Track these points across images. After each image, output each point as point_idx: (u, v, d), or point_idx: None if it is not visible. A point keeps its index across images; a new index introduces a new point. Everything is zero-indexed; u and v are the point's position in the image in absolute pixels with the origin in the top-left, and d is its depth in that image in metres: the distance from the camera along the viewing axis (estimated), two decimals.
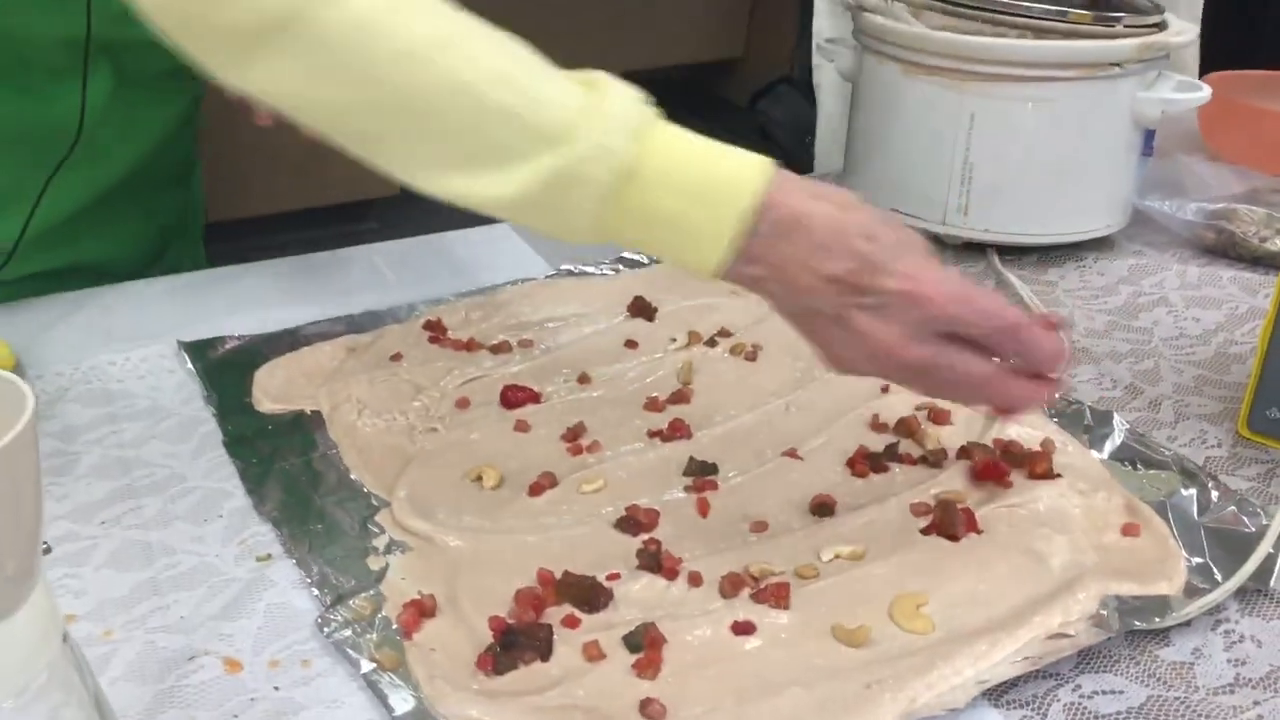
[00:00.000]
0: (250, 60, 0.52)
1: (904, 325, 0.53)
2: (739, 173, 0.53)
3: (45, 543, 0.57)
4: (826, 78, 1.24)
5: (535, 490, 0.63)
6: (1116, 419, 0.69)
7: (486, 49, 0.53)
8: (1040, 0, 0.87)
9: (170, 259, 0.98)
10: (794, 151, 1.31)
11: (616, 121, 0.52)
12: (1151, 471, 0.65)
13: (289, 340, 0.78)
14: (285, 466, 0.65)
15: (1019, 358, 0.55)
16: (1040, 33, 0.86)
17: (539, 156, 0.51)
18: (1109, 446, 0.67)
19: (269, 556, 0.59)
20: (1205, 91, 0.89)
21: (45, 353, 0.76)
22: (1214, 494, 0.62)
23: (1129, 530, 0.60)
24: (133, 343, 0.78)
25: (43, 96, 0.79)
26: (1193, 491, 0.63)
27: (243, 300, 0.85)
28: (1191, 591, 0.56)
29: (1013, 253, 0.93)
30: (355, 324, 0.81)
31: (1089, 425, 0.69)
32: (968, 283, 0.55)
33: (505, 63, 0.53)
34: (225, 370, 0.75)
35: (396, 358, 0.76)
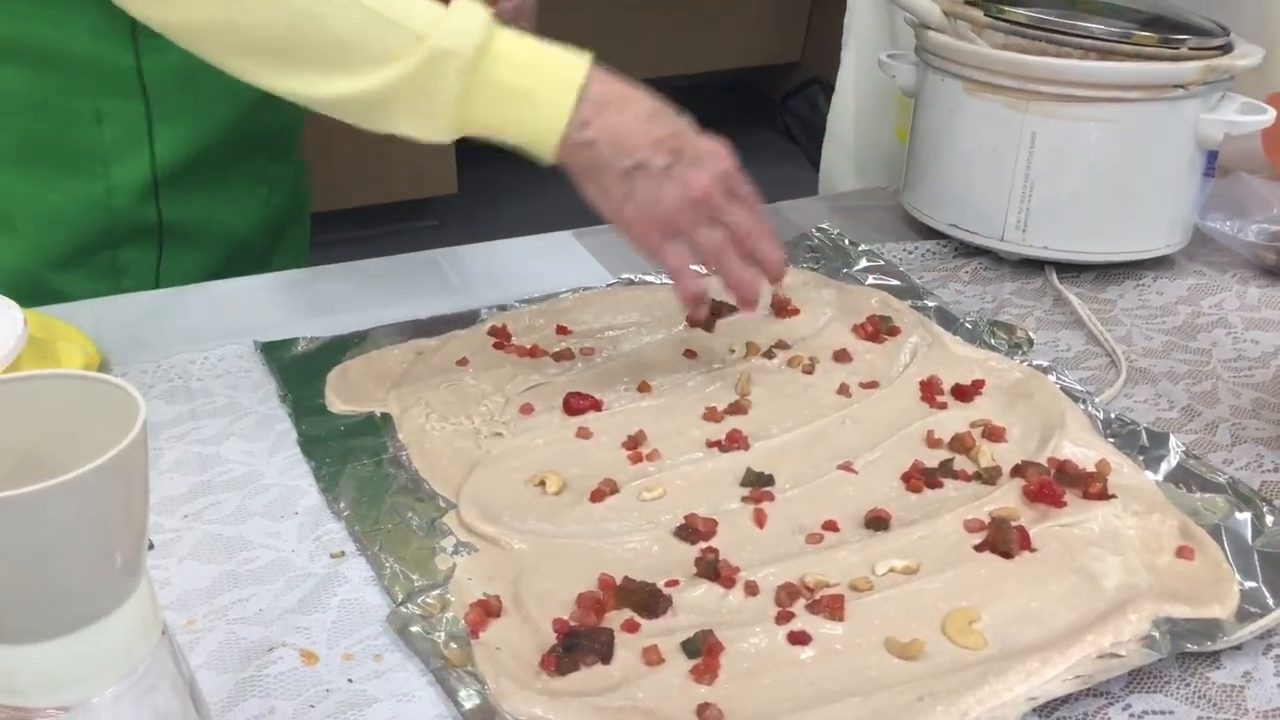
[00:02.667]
0: None
1: (714, 174, 0.70)
2: (569, 56, 0.68)
3: (149, 539, 0.60)
4: (847, 76, 1.23)
5: (597, 497, 0.65)
6: (1172, 440, 0.69)
7: None
8: (1104, 21, 0.88)
9: (288, 245, 1.02)
10: (811, 151, 1.31)
11: (469, 16, 0.66)
12: (1206, 494, 0.66)
13: (359, 343, 0.81)
14: (357, 467, 0.68)
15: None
16: (1104, 54, 0.87)
17: (411, 52, 0.65)
18: (1164, 468, 0.68)
19: (342, 553, 0.61)
20: (1270, 114, 0.89)
21: (129, 351, 0.79)
22: (1269, 519, 0.63)
23: (1183, 553, 0.61)
24: (211, 342, 0.81)
25: (148, 48, 0.84)
26: (1247, 515, 0.63)
27: (315, 303, 0.88)
28: (1244, 615, 0.57)
29: (1071, 270, 0.93)
30: (422, 328, 0.83)
31: (1144, 446, 0.70)
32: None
33: None
34: (299, 371, 0.77)
35: (463, 363, 0.78)
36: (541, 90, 0.67)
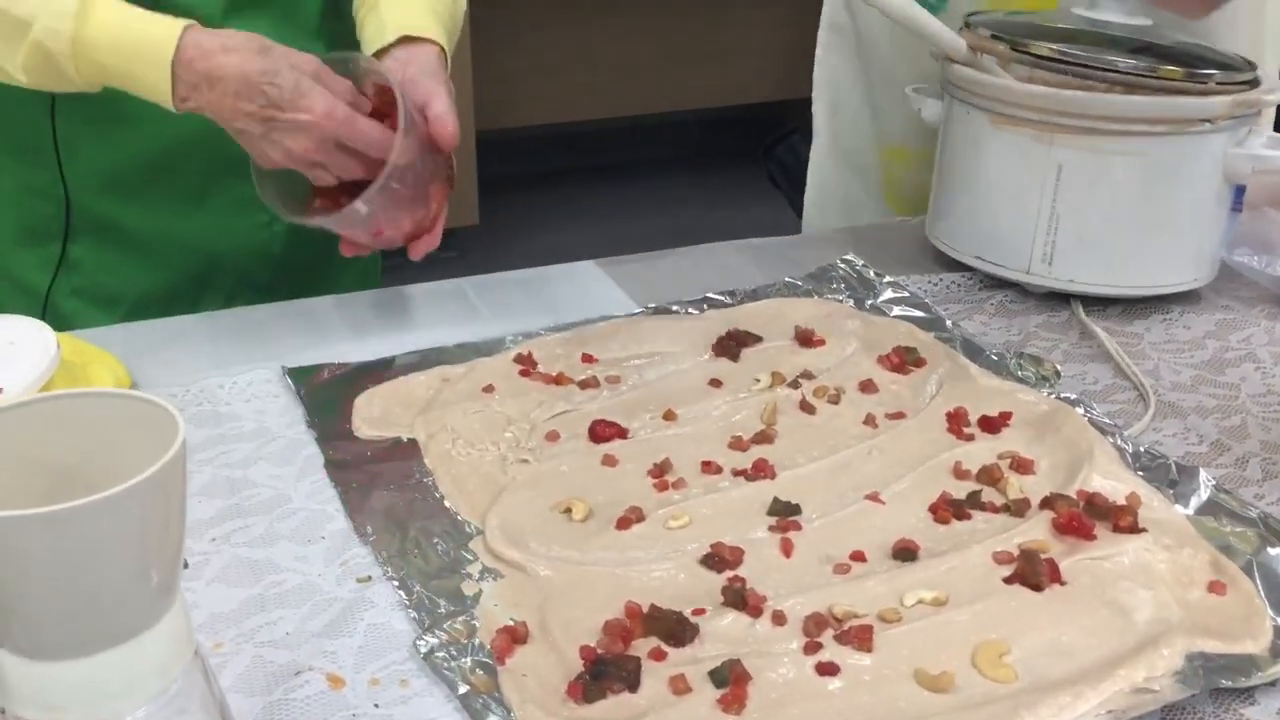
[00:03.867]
0: None
1: (310, 139, 0.76)
2: (161, 34, 0.75)
3: (184, 558, 0.60)
4: (823, 110, 1.25)
5: (623, 524, 0.65)
6: (1202, 475, 0.69)
7: None
8: (1129, 56, 0.88)
9: (317, 281, 1.03)
10: (796, 202, 1.33)
11: (63, 4, 0.74)
12: (1238, 529, 0.65)
13: (385, 369, 0.82)
14: (384, 492, 0.68)
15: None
16: (1130, 88, 0.87)
17: (25, 38, 0.75)
18: (1195, 502, 0.67)
19: (369, 578, 0.61)
20: None
21: (158, 374, 0.80)
22: None
23: (1215, 588, 0.60)
24: (239, 366, 0.81)
25: None
26: (1279, 551, 0.62)
27: (342, 328, 0.89)
28: (1277, 652, 0.56)
29: (1097, 303, 0.93)
30: (449, 355, 0.84)
31: (1174, 480, 0.69)
32: (345, 110, 0.77)
33: None
34: (326, 396, 0.78)
35: (489, 389, 0.78)
36: (142, 78, 0.76)
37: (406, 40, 0.87)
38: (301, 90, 0.76)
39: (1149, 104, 0.86)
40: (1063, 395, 0.78)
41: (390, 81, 0.80)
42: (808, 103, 1.25)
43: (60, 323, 0.85)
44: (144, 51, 0.75)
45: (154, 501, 0.36)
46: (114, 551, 0.36)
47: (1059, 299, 0.94)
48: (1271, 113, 1.14)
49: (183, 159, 0.93)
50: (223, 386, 0.79)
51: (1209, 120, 0.86)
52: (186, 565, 0.61)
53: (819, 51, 1.24)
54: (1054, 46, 0.89)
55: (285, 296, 0.95)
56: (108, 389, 0.40)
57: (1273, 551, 0.63)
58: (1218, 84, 0.86)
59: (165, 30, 0.75)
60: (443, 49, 0.89)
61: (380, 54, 0.86)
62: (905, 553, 0.63)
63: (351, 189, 0.80)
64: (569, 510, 0.66)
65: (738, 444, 0.73)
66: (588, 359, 0.83)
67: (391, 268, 1.14)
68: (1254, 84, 0.89)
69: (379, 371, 0.81)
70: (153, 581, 0.38)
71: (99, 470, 0.38)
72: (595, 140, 3.57)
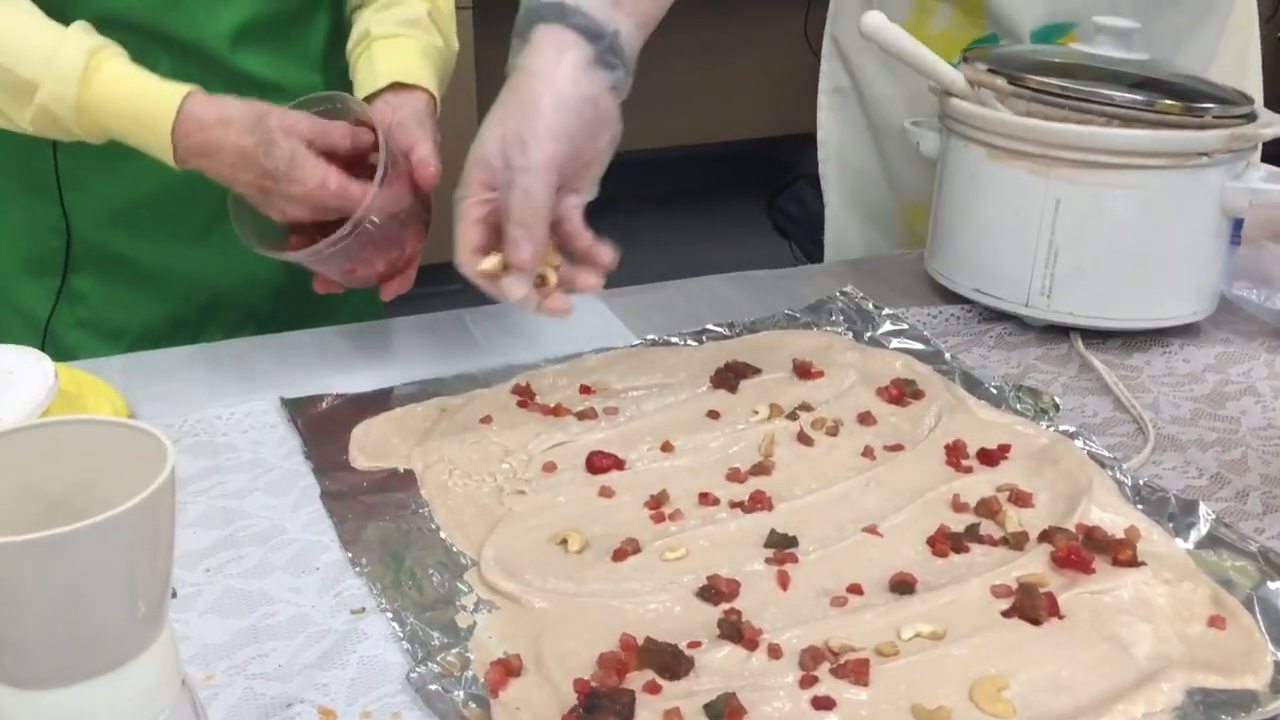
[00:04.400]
0: None
1: (304, 208, 0.79)
2: (159, 104, 0.77)
3: (172, 588, 0.60)
4: (832, 172, 1.26)
5: (619, 556, 0.65)
6: (1202, 508, 0.69)
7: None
8: (1127, 89, 0.88)
9: (320, 314, 1.03)
10: (809, 251, 1.34)
11: (66, 65, 0.77)
12: (1238, 563, 0.65)
13: (383, 400, 0.82)
14: (379, 523, 0.68)
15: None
16: (1128, 121, 0.87)
17: (31, 99, 0.77)
18: (1194, 536, 0.67)
19: (363, 609, 0.61)
20: None
21: (156, 405, 0.80)
22: None
23: (1215, 622, 0.59)
24: (237, 398, 0.81)
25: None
26: (1279, 585, 0.62)
27: (340, 359, 0.89)
28: (1278, 687, 0.55)
29: (1096, 336, 0.93)
30: (447, 386, 0.84)
31: (1174, 513, 0.69)
32: (341, 175, 0.78)
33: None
34: (323, 427, 0.78)
35: (486, 420, 0.78)
36: (146, 143, 0.78)
37: (398, 86, 0.88)
38: (296, 162, 0.77)
39: (1146, 138, 0.86)
40: (1062, 428, 0.77)
41: (374, 124, 0.82)
42: (804, 139, 1.27)
43: (63, 354, 0.86)
44: (144, 120, 0.78)
45: (142, 529, 0.36)
46: (101, 580, 0.35)
47: (1058, 332, 0.94)
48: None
49: (188, 195, 0.93)
50: (220, 417, 0.79)
51: (1206, 154, 0.86)
52: (175, 595, 0.60)
53: (821, 115, 1.25)
54: (1051, 80, 0.89)
55: (287, 328, 0.95)
56: (98, 416, 0.40)
57: (1273, 586, 0.62)
58: (1214, 118, 0.87)
59: (165, 101, 0.77)
60: (433, 96, 0.90)
61: (371, 98, 0.88)
62: (903, 586, 0.62)
63: (326, 227, 0.81)
64: (565, 542, 0.66)
65: (735, 475, 0.73)
66: (585, 390, 0.83)
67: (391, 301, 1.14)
68: (1251, 118, 0.89)
69: (377, 402, 0.81)
70: (140, 610, 0.37)
71: (91, 498, 0.38)
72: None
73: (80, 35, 0.79)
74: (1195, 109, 0.87)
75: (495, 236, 0.72)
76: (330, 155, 0.80)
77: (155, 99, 0.78)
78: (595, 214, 0.76)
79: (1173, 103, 0.87)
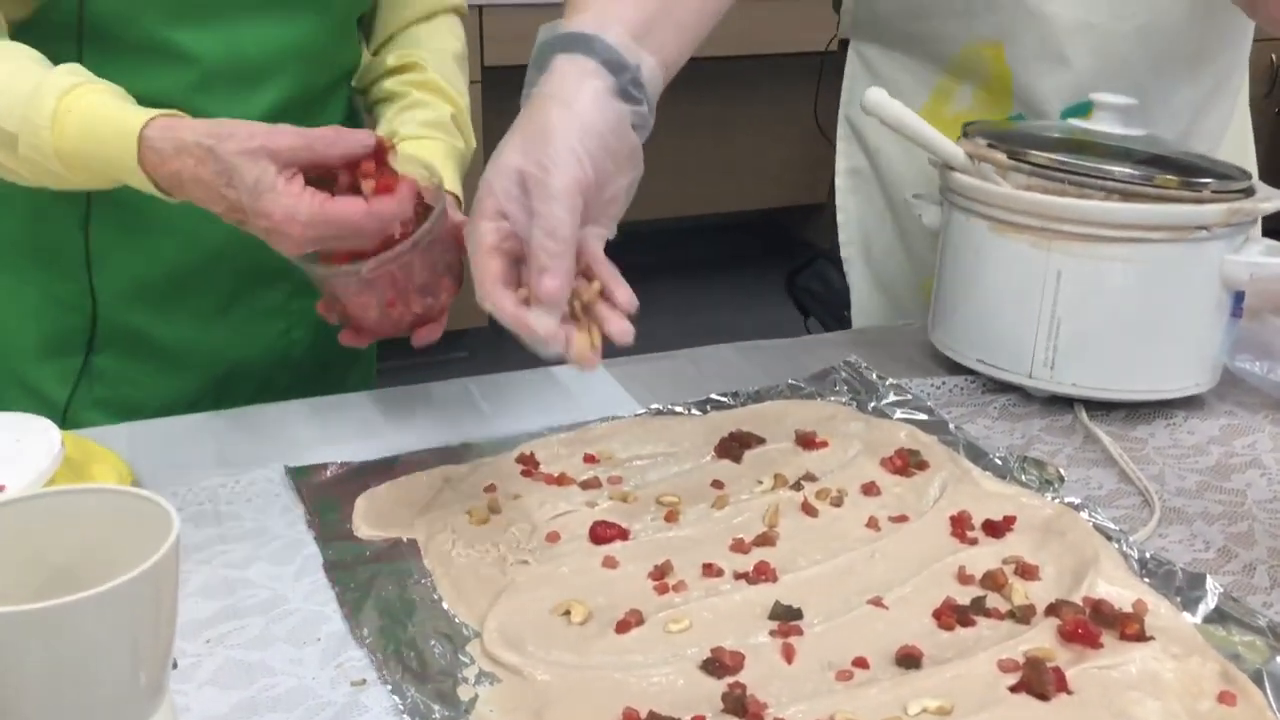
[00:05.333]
0: None
1: (287, 241, 0.73)
2: (122, 140, 0.73)
3: (174, 658, 0.60)
4: (855, 254, 1.27)
5: (622, 628, 0.64)
6: (1210, 582, 0.68)
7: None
8: (1126, 164, 0.90)
9: (322, 382, 1.03)
10: (830, 326, 1.34)
11: (40, 116, 0.74)
12: (1246, 638, 0.64)
13: (388, 468, 0.82)
14: (382, 593, 0.67)
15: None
16: (1127, 195, 0.88)
17: (15, 151, 0.75)
18: (1202, 610, 0.66)
19: (364, 681, 0.60)
20: None
21: (162, 474, 0.80)
22: None
23: (1225, 698, 0.59)
24: (243, 467, 0.82)
25: None
26: None
27: (347, 428, 0.89)
28: None
29: (1101, 408, 0.93)
30: (452, 455, 0.84)
31: (1181, 587, 0.68)
32: (316, 201, 0.71)
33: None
34: (328, 496, 0.78)
35: (491, 489, 0.78)
36: (128, 180, 0.75)
37: None
38: (258, 191, 0.71)
39: (1146, 211, 0.87)
40: (1067, 500, 0.77)
41: (426, 172, 0.82)
42: (810, 210, 1.28)
43: None
44: (117, 161, 0.74)
45: (144, 600, 0.36)
46: (103, 650, 0.35)
47: (1062, 403, 0.94)
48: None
49: (213, 268, 0.95)
50: (224, 486, 0.79)
51: (1205, 228, 0.87)
52: (175, 665, 0.60)
53: (839, 198, 1.26)
54: (1051, 155, 0.91)
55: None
56: (102, 485, 0.40)
57: None
58: (1213, 192, 0.88)
59: (125, 138, 0.73)
60: (458, 199, 0.91)
61: None
62: (909, 659, 0.62)
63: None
64: (568, 613, 0.66)
65: (739, 546, 0.73)
66: (590, 459, 0.83)
67: (399, 369, 1.15)
68: (1249, 192, 0.90)
69: (382, 471, 0.81)
70: (141, 683, 0.37)
71: (95, 567, 0.38)
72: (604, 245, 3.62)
73: (56, 77, 0.75)
74: (1193, 184, 0.88)
75: (514, 268, 0.68)
76: (327, 173, 0.74)
77: (118, 134, 0.74)
78: None
79: (1171, 177, 0.88)
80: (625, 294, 0.70)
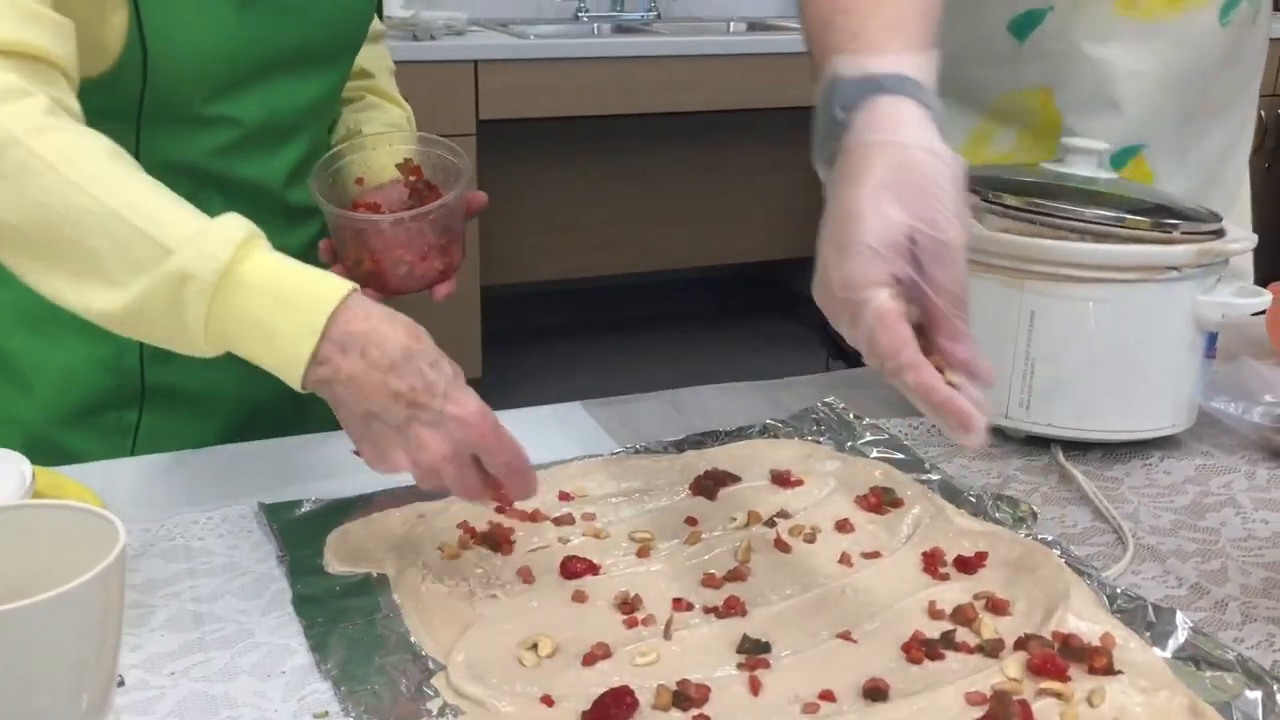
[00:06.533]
0: None
1: (453, 442, 0.67)
2: (322, 289, 0.66)
3: (120, 675, 0.59)
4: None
5: (589, 660, 0.64)
6: (1180, 617, 0.68)
7: (133, 186, 0.68)
8: (1098, 206, 0.91)
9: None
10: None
11: (221, 236, 0.66)
12: (1215, 672, 0.64)
13: (363, 505, 0.82)
14: (349, 627, 0.67)
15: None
16: (1099, 237, 0.89)
17: (158, 266, 0.65)
18: (1171, 644, 0.66)
19: (326, 714, 0.60)
20: (1266, 297, 0.90)
21: (134, 509, 0.80)
22: None
23: None
24: (215, 503, 0.82)
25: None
26: (1258, 694, 0.61)
27: (321, 466, 0.89)
28: None
29: (1077, 448, 0.93)
30: (426, 492, 0.84)
31: (1151, 622, 0.68)
32: (494, 418, 0.68)
33: (142, 196, 0.67)
34: (300, 532, 0.78)
35: (464, 526, 0.78)
36: (282, 327, 0.65)
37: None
38: (458, 384, 0.68)
39: (1117, 252, 0.88)
40: (1040, 536, 0.77)
41: (451, 150, 0.94)
42: (811, 260, 1.29)
43: None
44: (299, 299, 0.66)
45: (88, 608, 0.36)
46: (45, 663, 0.35)
47: (1040, 443, 0.94)
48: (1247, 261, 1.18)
49: None
50: (197, 522, 0.79)
51: (1175, 268, 0.88)
52: (122, 682, 0.59)
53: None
54: (1024, 198, 0.92)
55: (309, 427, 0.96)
56: (52, 501, 0.40)
57: (1251, 695, 0.61)
58: (1183, 234, 0.89)
59: (328, 286, 0.67)
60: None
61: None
62: (876, 692, 0.61)
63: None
64: (535, 646, 0.65)
65: (711, 581, 0.72)
66: (565, 497, 0.83)
67: None
68: (1219, 234, 0.91)
69: (356, 508, 0.81)
70: (83, 704, 0.37)
71: (45, 583, 0.38)
72: (597, 296, 3.64)
73: (230, 222, 0.68)
74: (1164, 224, 0.89)
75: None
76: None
77: (317, 280, 0.67)
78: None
79: (1141, 219, 0.89)
80: (986, 367, 0.65)
